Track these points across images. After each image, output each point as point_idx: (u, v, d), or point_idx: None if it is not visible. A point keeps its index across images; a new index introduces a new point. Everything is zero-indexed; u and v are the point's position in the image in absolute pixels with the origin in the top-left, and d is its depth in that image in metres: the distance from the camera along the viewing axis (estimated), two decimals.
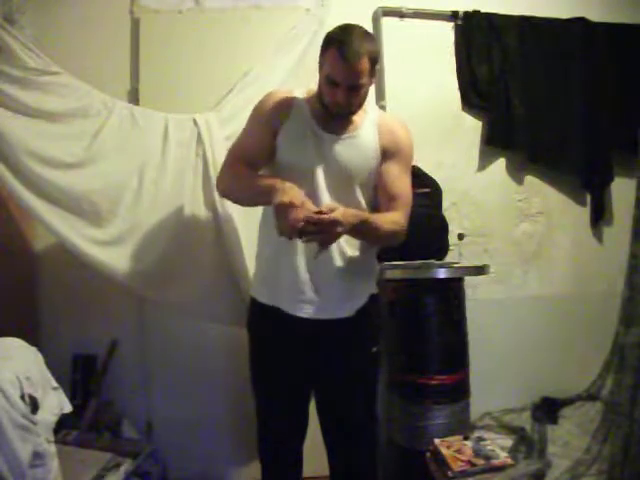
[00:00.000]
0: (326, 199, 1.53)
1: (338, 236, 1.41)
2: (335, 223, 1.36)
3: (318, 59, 1.52)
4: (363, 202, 1.60)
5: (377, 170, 1.59)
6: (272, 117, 1.58)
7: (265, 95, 1.63)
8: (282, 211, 1.36)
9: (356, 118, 1.58)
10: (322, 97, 1.53)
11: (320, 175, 1.54)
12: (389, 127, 1.62)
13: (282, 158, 1.58)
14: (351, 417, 1.64)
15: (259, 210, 1.67)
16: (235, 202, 1.72)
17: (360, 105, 1.55)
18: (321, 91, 1.52)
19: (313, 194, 1.50)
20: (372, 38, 1.52)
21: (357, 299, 1.60)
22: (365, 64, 1.44)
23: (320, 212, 1.37)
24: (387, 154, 1.59)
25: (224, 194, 1.67)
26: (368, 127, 1.59)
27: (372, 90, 2.38)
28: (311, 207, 1.39)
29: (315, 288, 1.56)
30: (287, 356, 1.60)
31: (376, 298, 1.67)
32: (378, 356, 1.68)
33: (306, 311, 1.56)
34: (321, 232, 1.37)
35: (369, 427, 1.69)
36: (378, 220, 1.53)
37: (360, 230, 1.47)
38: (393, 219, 1.55)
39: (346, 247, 1.58)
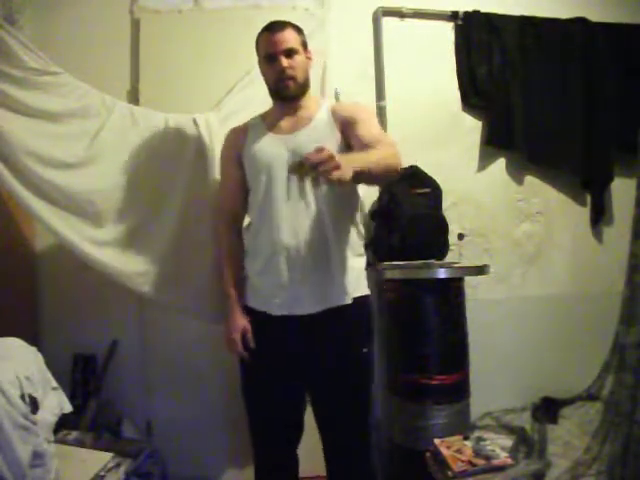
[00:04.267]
0: (282, 195, 1.60)
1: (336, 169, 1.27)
2: (331, 157, 1.25)
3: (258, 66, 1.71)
4: (328, 196, 1.60)
5: (341, 152, 1.55)
6: (233, 149, 1.76)
7: (225, 135, 1.83)
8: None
9: (310, 112, 1.68)
10: (269, 84, 1.69)
11: (282, 172, 1.59)
12: (341, 106, 1.72)
13: (248, 174, 1.71)
14: (343, 417, 1.64)
15: None
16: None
17: (303, 75, 1.66)
18: (266, 79, 1.70)
19: (277, 193, 1.61)
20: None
21: (333, 297, 1.60)
22: (291, 32, 1.65)
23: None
24: (349, 126, 1.63)
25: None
26: (321, 115, 1.68)
27: (367, 89, 2.41)
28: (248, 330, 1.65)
29: (288, 284, 1.59)
30: (271, 358, 1.63)
31: (364, 299, 1.67)
32: (370, 357, 1.68)
33: (278, 307, 1.60)
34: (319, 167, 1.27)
35: (362, 429, 1.67)
36: (367, 152, 1.49)
37: (357, 163, 1.37)
38: (376, 149, 1.50)
39: (320, 243, 1.59)
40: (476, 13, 2.49)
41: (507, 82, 2.47)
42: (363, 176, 1.38)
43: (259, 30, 1.71)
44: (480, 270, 2.07)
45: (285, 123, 1.69)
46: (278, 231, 1.59)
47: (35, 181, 1.85)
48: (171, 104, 2.17)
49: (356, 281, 1.65)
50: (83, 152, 1.94)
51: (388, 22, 2.46)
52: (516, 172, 2.56)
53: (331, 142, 1.59)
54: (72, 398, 1.94)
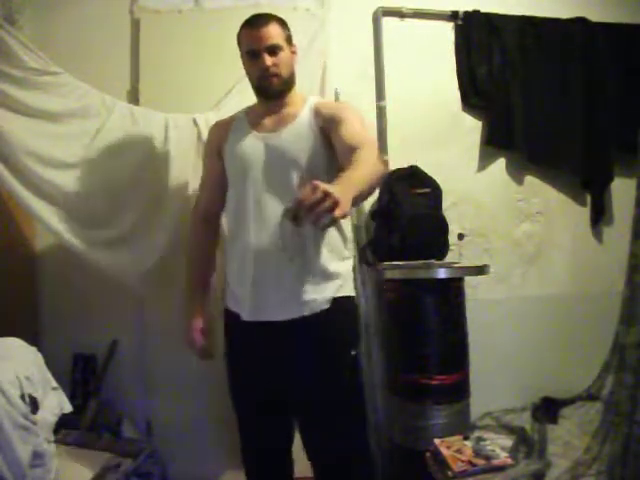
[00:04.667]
0: (264, 197, 1.53)
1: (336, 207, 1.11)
2: (326, 196, 1.10)
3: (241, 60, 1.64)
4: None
5: (322, 151, 1.55)
6: (215, 143, 1.70)
7: (209, 129, 1.79)
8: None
9: (295, 110, 1.61)
10: (252, 80, 1.62)
11: (257, 172, 1.56)
12: (325, 105, 1.64)
13: (227, 169, 1.66)
14: (329, 421, 1.54)
15: None
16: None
17: (287, 70, 1.59)
18: (249, 75, 1.62)
19: (250, 193, 1.55)
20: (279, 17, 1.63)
21: (309, 304, 1.52)
22: (275, 27, 1.57)
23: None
24: (331, 126, 1.53)
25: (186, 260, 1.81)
26: (305, 113, 1.61)
27: (367, 89, 2.41)
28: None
29: (256, 289, 1.54)
30: (253, 365, 1.59)
31: (347, 300, 1.60)
32: (358, 361, 1.62)
33: (247, 313, 1.56)
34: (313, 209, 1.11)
35: (353, 435, 1.58)
36: (356, 168, 1.32)
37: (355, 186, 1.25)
38: (362, 158, 1.35)
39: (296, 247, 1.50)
40: (476, 13, 2.49)
41: (507, 82, 2.47)
42: (358, 200, 1.27)
43: None
44: (480, 270, 2.07)
45: (268, 121, 1.62)
46: (249, 233, 1.54)
47: (35, 181, 1.85)
48: (171, 104, 2.17)
49: (338, 286, 1.57)
50: (83, 152, 1.95)
51: (388, 22, 2.46)
52: (516, 172, 2.56)
53: (313, 141, 1.55)
54: (72, 398, 1.94)
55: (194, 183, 2.03)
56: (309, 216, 1.10)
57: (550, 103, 2.51)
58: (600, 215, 2.59)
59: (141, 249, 1.96)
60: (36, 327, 2.22)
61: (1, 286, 1.97)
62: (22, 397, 1.36)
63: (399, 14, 2.47)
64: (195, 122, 2.09)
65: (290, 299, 1.52)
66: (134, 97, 2.24)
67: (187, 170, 2.04)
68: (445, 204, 2.37)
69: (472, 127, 2.53)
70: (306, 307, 1.52)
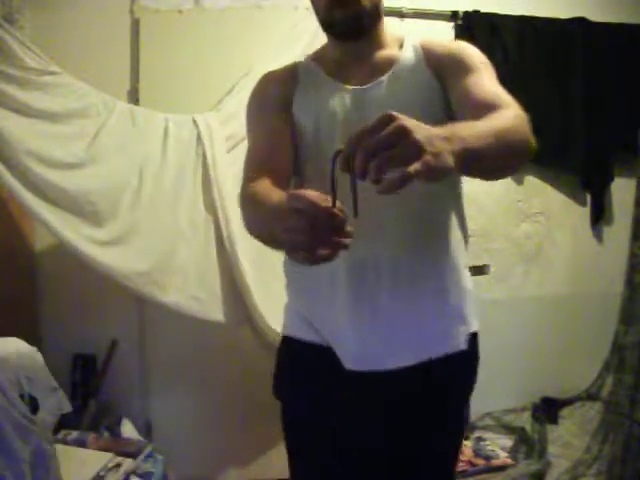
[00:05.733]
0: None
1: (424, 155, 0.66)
2: (404, 132, 0.66)
3: None
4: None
5: (442, 106, 1.08)
6: (279, 94, 1.15)
7: (259, 80, 1.20)
8: (292, 225, 0.72)
9: (392, 52, 1.14)
10: (318, 11, 1.12)
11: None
12: (437, 43, 1.14)
13: (304, 136, 1.11)
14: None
15: None
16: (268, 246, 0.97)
17: None
18: (316, 9, 1.13)
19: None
20: None
21: (436, 338, 1.08)
22: None
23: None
24: (448, 72, 1.07)
25: (254, 236, 1.00)
26: (408, 54, 1.12)
27: None
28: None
29: (358, 324, 1.05)
30: (338, 426, 1.10)
31: (474, 338, 1.14)
32: (466, 422, 1.24)
33: (346, 359, 1.07)
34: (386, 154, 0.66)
35: None
36: (483, 120, 0.87)
37: (458, 143, 0.74)
38: (499, 115, 0.91)
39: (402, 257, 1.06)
40: (476, 13, 2.49)
41: (507, 82, 2.47)
42: (475, 163, 0.78)
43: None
44: (480, 270, 2.07)
45: (355, 69, 1.12)
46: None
47: (35, 181, 1.85)
48: (171, 104, 2.17)
49: (472, 311, 1.14)
50: (83, 152, 1.95)
51: (388, 22, 2.45)
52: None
53: (428, 92, 1.08)
54: (72, 398, 1.94)
55: (194, 183, 2.03)
56: (365, 163, 0.65)
57: (550, 103, 2.51)
58: (600, 215, 2.59)
59: (141, 249, 1.96)
60: (36, 327, 2.22)
61: (1, 286, 1.97)
62: (22, 397, 1.36)
63: (399, 14, 2.47)
64: (195, 122, 2.09)
65: (418, 335, 1.07)
66: (134, 97, 2.24)
67: (187, 170, 2.04)
68: None
69: None
70: (444, 345, 1.08)
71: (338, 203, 0.71)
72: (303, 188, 0.77)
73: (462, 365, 1.12)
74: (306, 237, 0.70)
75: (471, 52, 1.10)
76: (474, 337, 1.14)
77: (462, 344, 1.08)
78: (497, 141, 0.81)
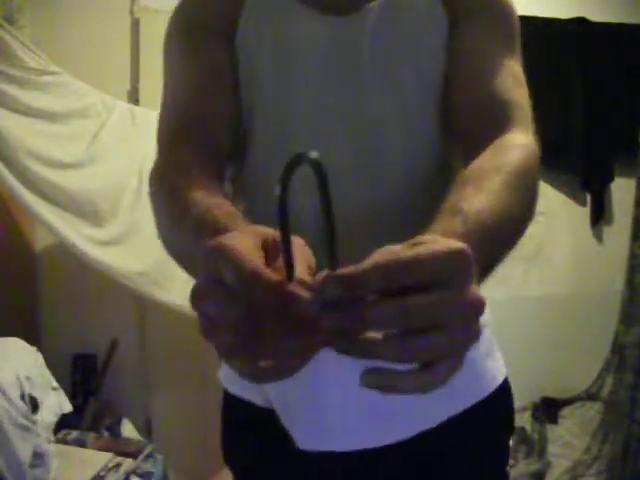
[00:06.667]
0: (346, 162, 0.70)
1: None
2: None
3: None
4: (442, 149, 0.77)
5: (444, 60, 0.73)
6: (223, 10, 0.78)
7: None
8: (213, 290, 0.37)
9: None
10: None
11: (316, 91, 0.72)
12: None
13: (254, 84, 0.74)
14: None
15: None
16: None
17: None
18: None
19: (301, 132, 0.72)
20: None
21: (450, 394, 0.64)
22: None
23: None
24: (467, 25, 0.73)
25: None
26: None
27: None
28: (308, 257, 0.39)
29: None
30: None
31: (504, 384, 0.86)
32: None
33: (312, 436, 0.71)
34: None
35: None
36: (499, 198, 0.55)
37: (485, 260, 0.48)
38: (510, 164, 0.61)
39: None
40: None
41: None
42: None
43: None
44: None
45: None
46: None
47: (35, 181, 1.85)
48: None
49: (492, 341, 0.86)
50: (83, 152, 1.95)
51: None
52: None
53: (435, 45, 0.73)
54: (72, 398, 1.94)
55: None
56: (354, 349, 0.35)
57: (550, 103, 2.51)
58: (600, 215, 2.59)
59: (141, 249, 1.96)
60: (36, 327, 2.22)
61: (1, 286, 1.97)
62: (22, 397, 1.36)
63: None
64: None
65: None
66: (134, 97, 2.24)
67: None
68: None
69: None
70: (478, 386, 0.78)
71: (300, 256, 0.38)
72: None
73: (497, 402, 0.82)
74: (239, 338, 0.36)
75: (513, 22, 0.76)
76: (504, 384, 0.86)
77: (498, 376, 0.82)
78: (514, 232, 0.59)
